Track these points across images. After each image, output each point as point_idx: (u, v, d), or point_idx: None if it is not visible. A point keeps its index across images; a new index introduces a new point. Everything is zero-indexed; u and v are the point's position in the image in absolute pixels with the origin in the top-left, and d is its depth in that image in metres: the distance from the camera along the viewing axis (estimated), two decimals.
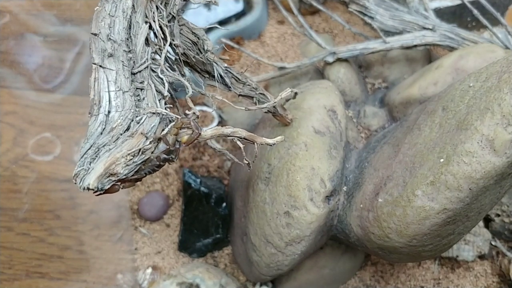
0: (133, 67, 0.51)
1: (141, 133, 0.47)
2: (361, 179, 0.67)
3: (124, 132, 0.48)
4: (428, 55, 0.85)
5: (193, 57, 0.58)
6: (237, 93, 0.63)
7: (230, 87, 0.62)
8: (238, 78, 0.62)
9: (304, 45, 0.94)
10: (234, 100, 0.78)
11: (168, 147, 0.48)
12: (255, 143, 0.55)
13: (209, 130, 0.52)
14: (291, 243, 0.68)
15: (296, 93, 0.67)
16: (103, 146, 0.47)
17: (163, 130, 0.49)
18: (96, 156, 0.47)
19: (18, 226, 0.89)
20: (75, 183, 0.46)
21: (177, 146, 0.49)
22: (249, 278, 0.84)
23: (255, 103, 0.64)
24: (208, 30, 0.95)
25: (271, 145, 0.56)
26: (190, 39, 0.57)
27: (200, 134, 0.50)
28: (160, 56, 0.53)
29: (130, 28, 0.52)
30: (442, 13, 0.88)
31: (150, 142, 0.47)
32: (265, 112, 0.65)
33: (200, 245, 0.87)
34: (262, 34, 0.97)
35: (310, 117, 0.69)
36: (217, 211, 0.85)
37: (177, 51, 0.56)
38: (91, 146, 0.47)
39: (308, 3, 0.90)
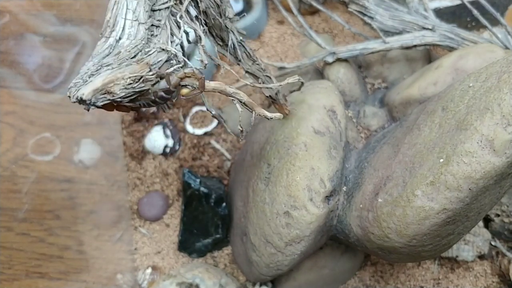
0: (154, 3, 0.51)
1: (147, 63, 0.47)
2: (360, 179, 0.67)
3: (131, 59, 0.48)
4: (428, 55, 0.85)
5: (213, 18, 0.57)
6: (245, 69, 0.63)
7: (240, 60, 0.62)
8: (250, 54, 0.62)
9: (304, 45, 0.94)
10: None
11: (168, 86, 0.48)
12: (253, 111, 0.55)
13: (213, 83, 0.52)
14: (291, 243, 0.68)
15: (302, 83, 0.67)
16: (107, 65, 0.47)
17: (167, 69, 0.49)
18: (97, 72, 0.46)
19: (17, 226, 0.88)
20: (69, 95, 0.45)
21: (174, 92, 0.49)
22: (248, 278, 0.84)
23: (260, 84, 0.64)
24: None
25: (268, 119, 0.56)
26: (214, 0, 0.57)
27: (202, 92, 0.50)
28: (182, 2, 0.53)
29: None
30: (442, 13, 0.88)
31: (153, 74, 0.47)
32: (266, 97, 0.65)
33: (199, 245, 0.87)
34: (262, 34, 0.97)
35: (310, 117, 0.69)
36: (217, 211, 0.85)
37: (200, 5, 0.55)
38: (94, 64, 0.47)
39: (308, 3, 0.90)
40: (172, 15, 0.52)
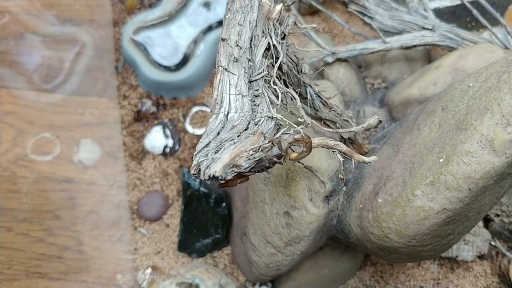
0: (250, 75, 0.55)
1: (261, 132, 0.51)
2: (360, 179, 0.67)
3: (244, 131, 0.52)
4: (428, 55, 0.85)
5: (293, 76, 0.62)
6: (323, 117, 0.66)
7: (317, 110, 0.66)
8: (326, 103, 0.66)
9: (304, 45, 0.94)
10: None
11: (280, 152, 0.52)
12: (353, 159, 0.59)
13: (317, 140, 0.56)
14: (291, 243, 0.68)
15: (380, 121, 0.69)
16: (226, 140, 0.50)
17: (274, 134, 0.53)
18: (220, 148, 0.50)
19: (17, 226, 0.89)
20: (195, 173, 0.49)
21: (284, 156, 0.53)
22: (248, 278, 0.84)
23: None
24: (208, 29, 0.95)
25: (367, 163, 0.60)
26: (292, 60, 0.61)
27: (309, 153, 0.54)
28: (273, 67, 0.58)
29: (251, 39, 0.56)
30: (442, 13, 0.88)
31: (268, 142, 0.51)
32: (344, 139, 0.68)
33: (199, 245, 0.87)
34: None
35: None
36: (217, 211, 0.85)
37: (283, 68, 0.59)
38: (211, 140, 0.51)
39: (308, 3, 0.90)
40: (265, 81, 0.56)
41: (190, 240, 0.87)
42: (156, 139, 0.92)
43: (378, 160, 0.67)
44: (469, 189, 0.54)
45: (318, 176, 0.65)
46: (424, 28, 0.78)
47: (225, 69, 0.54)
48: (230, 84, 0.54)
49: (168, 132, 0.92)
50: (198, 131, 0.93)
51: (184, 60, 0.94)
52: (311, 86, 0.65)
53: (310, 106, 0.65)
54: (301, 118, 0.58)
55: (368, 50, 0.78)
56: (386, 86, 0.84)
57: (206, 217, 0.85)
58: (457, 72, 0.71)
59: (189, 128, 0.93)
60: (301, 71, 0.63)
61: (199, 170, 0.49)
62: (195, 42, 0.94)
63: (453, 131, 0.57)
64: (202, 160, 0.49)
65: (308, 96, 0.65)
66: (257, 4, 0.57)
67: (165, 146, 0.92)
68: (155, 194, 0.90)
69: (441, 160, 0.56)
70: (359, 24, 0.93)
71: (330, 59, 0.79)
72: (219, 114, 0.52)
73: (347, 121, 0.68)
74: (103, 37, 0.98)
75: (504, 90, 0.54)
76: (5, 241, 0.88)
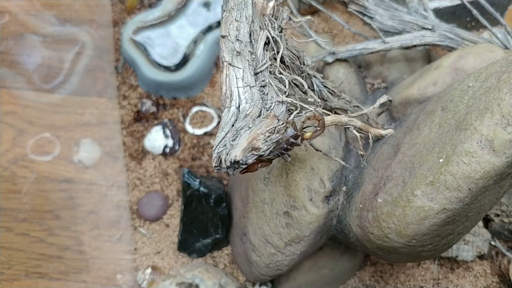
0: (255, 68, 0.57)
1: (274, 115, 0.53)
2: (360, 179, 0.67)
3: (257, 117, 0.53)
4: (428, 55, 0.85)
5: (297, 69, 0.63)
6: (333, 106, 0.67)
7: (326, 100, 0.66)
8: (334, 92, 0.67)
9: (304, 45, 0.94)
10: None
11: (296, 132, 0.53)
12: (369, 133, 0.59)
13: (330, 117, 0.57)
14: (291, 243, 0.68)
15: (390, 100, 0.70)
16: (241, 128, 0.52)
17: (287, 118, 0.54)
18: (237, 136, 0.51)
19: (17, 226, 0.89)
20: (217, 165, 0.50)
21: (300, 137, 0.54)
22: (248, 278, 0.84)
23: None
24: (208, 29, 0.95)
25: (384, 135, 0.61)
26: (293, 53, 0.63)
27: (323, 131, 0.55)
28: (276, 59, 0.59)
29: (250, 34, 0.58)
30: (442, 13, 0.88)
31: (282, 124, 0.52)
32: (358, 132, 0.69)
33: (199, 245, 0.86)
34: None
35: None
36: (217, 211, 0.85)
37: (285, 60, 0.61)
38: (228, 132, 0.52)
39: (308, 3, 0.90)
40: (270, 72, 0.58)
41: (190, 240, 0.87)
42: (156, 139, 0.92)
43: (378, 160, 0.67)
44: (469, 189, 0.54)
45: (336, 159, 0.65)
46: (424, 28, 0.78)
47: (230, 64, 0.56)
48: (237, 78, 0.55)
49: (168, 132, 0.92)
50: (198, 131, 0.93)
51: (184, 60, 0.94)
52: (316, 77, 0.66)
53: (318, 97, 0.66)
54: (311, 98, 0.60)
55: (368, 50, 0.78)
56: (386, 86, 0.84)
57: (206, 217, 0.85)
58: (457, 72, 0.71)
59: (189, 128, 0.93)
60: (303, 63, 0.64)
61: (220, 160, 0.50)
62: (195, 42, 0.94)
63: (453, 131, 0.57)
64: (221, 150, 0.50)
65: (315, 87, 0.66)
66: (251, 1, 0.59)
67: (165, 146, 0.92)
68: (155, 194, 0.90)
69: (441, 160, 0.56)
70: (359, 24, 0.93)
71: (330, 59, 0.79)
72: (230, 107, 0.54)
73: (358, 106, 0.69)
74: (103, 37, 0.98)
75: (504, 90, 0.54)
76: (5, 241, 0.88)
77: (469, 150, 0.54)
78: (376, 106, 0.66)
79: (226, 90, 0.55)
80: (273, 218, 0.68)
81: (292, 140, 0.53)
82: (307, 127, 0.56)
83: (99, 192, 0.91)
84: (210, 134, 0.93)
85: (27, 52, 0.95)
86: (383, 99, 0.66)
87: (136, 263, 0.89)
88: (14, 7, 0.97)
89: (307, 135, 0.55)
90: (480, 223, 0.85)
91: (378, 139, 0.70)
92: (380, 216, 0.61)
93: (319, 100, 0.60)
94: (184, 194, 0.86)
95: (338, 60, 0.80)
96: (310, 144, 0.63)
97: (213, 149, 0.51)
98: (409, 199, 0.58)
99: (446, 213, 0.56)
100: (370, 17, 0.80)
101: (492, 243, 0.85)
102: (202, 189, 0.85)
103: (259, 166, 0.53)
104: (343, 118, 0.58)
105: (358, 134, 0.59)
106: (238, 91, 0.55)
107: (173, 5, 0.95)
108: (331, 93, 0.67)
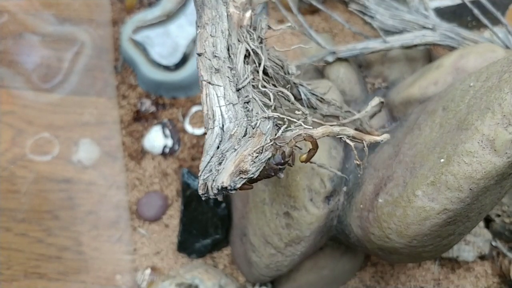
0: (236, 84, 0.54)
1: (261, 132, 0.50)
2: (361, 180, 0.67)
3: (243, 137, 0.50)
4: (428, 54, 0.85)
5: (282, 79, 0.60)
6: (323, 114, 0.65)
7: (316, 108, 0.63)
8: (323, 99, 0.64)
9: (304, 45, 0.94)
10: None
11: (282, 160, 0.50)
12: (363, 141, 0.56)
13: (320, 129, 0.53)
14: (291, 243, 0.68)
15: (382, 102, 0.67)
16: (227, 150, 0.49)
17: (275, 134, 0.51)
18: (223, 160, 0.48)
19: (16, 227, 0.88)
20: (204, 193, 0.48)
21: (290, 158, 0.51)
22: (248, 279, 0.84)
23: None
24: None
25: (380, 142, 0.57)
26: (276, 63, 0.60)
27: (316, 150, 0.52)
28: (258, 72, 0.56)
29: (228, 49, 0.55)
30: (443, 13, 0.88)
31: (270, 142, 0.49)
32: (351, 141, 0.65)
33: (199, 246, 0.86)
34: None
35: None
36: (216, 212, 0.84)
37: (268, 72, 0.58)
38: (213, 156, 0.49)
39: (308, 2, 0.89)
40: (253, 87, 0.55)
41: (189, 240, 0.86)
42: (156, 139, 0.92)
43: (379, 160, 0.66)
44: (470, 189, 0.54)
45: (332, 170, 0.63)
46: (424, 28, 0.77)
47: (209, 82, 0.53)
48: (218, 96, 0.52)
49: (167, 132, 0.92)
50: (197, 131, 0.93)
51: (184, 60, 0.93)
52: (302, 85, 0.63)
53: (307, 106, 0.63)
54: (298, 111, 0.57)
55: (369, 50, 0.78)
56: (386, 85, 0.83)
57: (206, 217, 0.85)
58: (458, 72, 0.70)
59: (188, 128, 0.93)
60: (288, 73, 0.61)
61: (207, 188, 0.47)
62: (195, 41, 0.94)
63: (454, 131, 0.56)
64: (207, 177, 0.48)
65: (302, 95, 0.63)
66: (226, 14, 0.56)
67: (165, 146, 0.92)
68: (154, 194, 0.90)
69: (442, 160, 0.56)
70: (359, 23, 0.93)
71: (330, 59, 0.79)
72: (214, 128, 0.51)
73: (349, 111, 0.66)
74: (102, 36, 0.97)
75: (505, 89, 0.53)
76: (4, 241, 0.88)
77: (470, 150, 0.54)
78: (368, 110, 0.63)
79: (207, 110, 0.52)
80: (273, 219, 0.68)
81: (280, 166, 0.50)
82: (297, 142, 0.53)
83: (98, 192, 0.90)
84: None
85: (26, 52, 0.95)
86: (374, 102, 0.64)
87: (136, 263, 0.88)
88: (13, 6, 0.96)
89: (303, 157, 0.53)
90: (481, 224, 0.85)
91: (373, 144, 0.70)
92: (380, 217, 0.61)
93: (307, 112, 0.57)
94: (184, 194, 0.86)
95: (338, 59, 0.79)
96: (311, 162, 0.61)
97: (199, 175, 0.49)
98: (410, 199, 0.58)
99: (447, 213, 0.56)
100: (371, 17, 0.80)
101: (493, 243, 0.84)
102: None
103: (251, 186, 0.50)
104: (334, 128, 0.54)
105: (352, 143, 0.55)
106: (220, 110, 0.52)
107: (172, 4, 0.95)
108: (320, 101, 0.64)
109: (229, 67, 0.54)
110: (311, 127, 0.52)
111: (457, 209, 0.56)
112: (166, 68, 0.93)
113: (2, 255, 0.87)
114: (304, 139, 0.51)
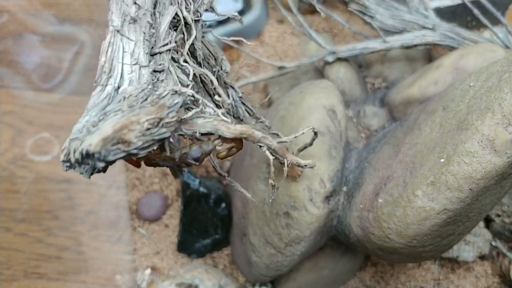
0: (153, 47, 0.45)
1: (164, 104, 0.39)
2: (361, 179, 0.67)
3: (142, 103, 0.39)
4: (428, 54, 0.85)
5: (211, 70, 0.52)
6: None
7: (242, 119, 0.55)
8: (252, 112, 0.56)
9: (304, 45, 0.94)
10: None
11: (199, 156, 0.43)
12: (285, 160, 0.48)
13: (239, 127, 0.45)
14: (291, 243, 0.68)
15: (316, 133, 0.59)
16: (113, 111, 0.38)
17: (185, 114, 0.42)
18: (102, 120, 0.38)
19: (16, 227, 0.88)
20: (65, 159, 0.38)
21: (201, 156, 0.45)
22: (248, 279, 0.84)
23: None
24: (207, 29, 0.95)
25: (302, 167, 0.50)
26: (210, 51, 0.51)
27: (236, 152, 0.46)
28: (184, 46, 0.47)
29: (155, 4, 0.46)
30: (442, 13, 0.88)
31: (173, 117, 0.39)
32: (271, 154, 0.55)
33: (199, 246, 0.86)
34: (261, 34, 0.97)
35: (310, 117, 0.69)
36: (216, 212, 0.84)
37: (196, 54, 0.49)
38: (94, 115, 0.39)
39: (308, 2, 0.89)
40: (174, 60, 0.46)
41: (189, 240, 0.86)
42: None
43: (379, 160, 0.66)
44: (470, 189, 0.54)
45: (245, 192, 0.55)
46: (424, 28, 0.77)
47: (118, 31, 0.43)
48: (124, 51, 0.43)
49: None
50: None
51: None
52: (233, 88, 0.53)
53: (233, 116, 0.54)
54: (219, 97, 0.48)
55: (369, 50, 0.78)
56: (386, 85, 0.83)
57: (206, 217, 0.85)
58: (458, 72, 0.70)
59: None
60: (221, 68, 0.52)
61: (69, 152, 0.37)
62: None
63: (454, 131, 0.56)
64: (74, 138, 0.37)
65: (231, 99, 0.54)
66: None
67: None
68: (154, 194, 0.90)
69: (442, 160, 0.56)
70: (359, 23, 0.93)
71: (330, 59, 0.79)
72: (106, 85, 0.41)
73: (277, 134, 0.57)
74: (102, 36, 0.97)
75: (505, 89, 0.53)
76: (4, 241, 0.88)
77: (470, 150, 0.54)
78: (298, 135, 0.54)
79: (105, 62, 0.42)
80: (273, 219, 0.68)
81: (191, 161, 0.43)
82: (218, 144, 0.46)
83: (98, 192, 0.90)
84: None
85: (26, 52, 0.95)
86: (306, 129, 0.55)
87: (136, 263, 0.88)
88: (13, 7, 0.96)
89: (222, 154, 0.46)
90: (481, 224, 0.85)
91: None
92: (380, 217, 0.61)
93: (229, 101, 0.48)
94: (184, 194, 0.86)
95: (338, 59, 0.79)
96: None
97: (69, 138, 0.38)
98: (410, 199, 0.58)
99: (447, 213, 0.56)
100: (371, 17, 0.80)
101: (493, 243, 0.84)
102: (201, 189, 0.84)
103: (145, 164, 0.41)
104: (256, 132, 0.47)
105: (271, 158, 0.48)
106: (122, 68, 0.42)
107: None
108: (248, 113, 0.55)
109: (149, 22, 0.45)
110: (229, 121, 0.44)
111: (457, 209, 0.56)
112: None
113: (2, 255, 0.87)
114: (227, 142, 0.45)
